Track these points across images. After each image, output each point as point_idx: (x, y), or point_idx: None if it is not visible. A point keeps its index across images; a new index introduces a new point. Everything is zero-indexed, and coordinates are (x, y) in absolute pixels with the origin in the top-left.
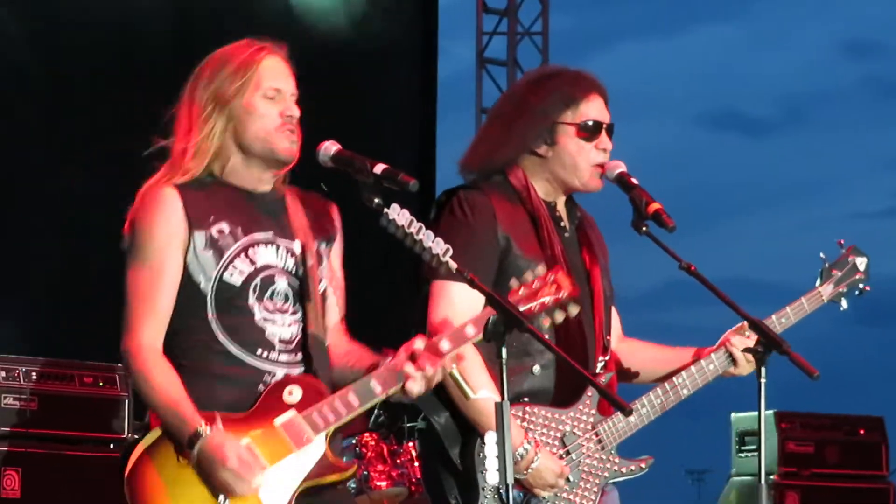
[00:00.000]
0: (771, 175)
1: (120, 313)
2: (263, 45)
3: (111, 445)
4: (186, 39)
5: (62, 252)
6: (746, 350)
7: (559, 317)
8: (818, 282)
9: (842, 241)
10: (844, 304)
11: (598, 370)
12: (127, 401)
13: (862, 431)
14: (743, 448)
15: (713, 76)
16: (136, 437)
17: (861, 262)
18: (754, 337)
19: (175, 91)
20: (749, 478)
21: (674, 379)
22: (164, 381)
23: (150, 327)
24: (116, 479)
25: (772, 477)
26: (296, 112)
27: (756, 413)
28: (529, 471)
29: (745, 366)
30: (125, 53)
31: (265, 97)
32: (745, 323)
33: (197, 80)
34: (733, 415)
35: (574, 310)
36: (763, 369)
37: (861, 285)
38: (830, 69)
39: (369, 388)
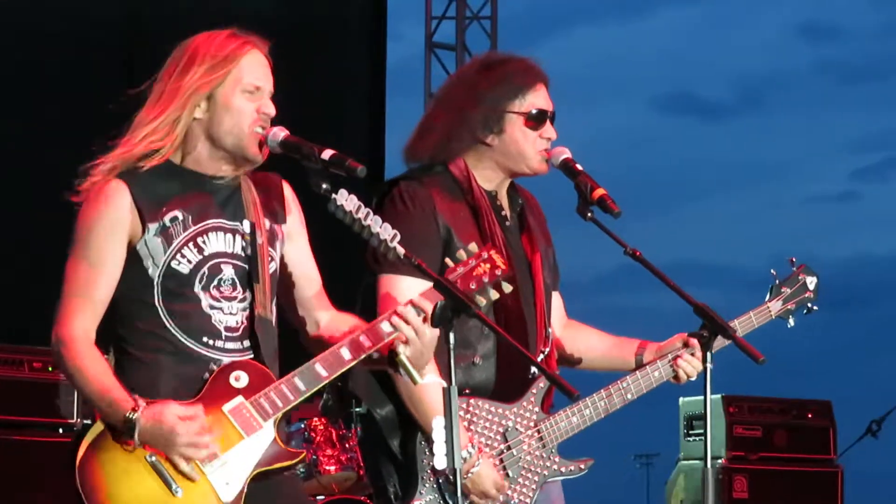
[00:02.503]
0: (727, 158)
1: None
2: (248, 38)
3: (60, 430)
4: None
5: (8, 237)
6: (692, 335)
7: (494, 295)
8: (767, 297)
9: (793, 259)
10: (792, 321)
11: (538, 360)
12: None
13: (810, 415)
14: (691, 432)
15: (669, 59)
16: (83, 426)
17: (811, 282)
18: (696, 361)
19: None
20: (697, 462)
21: (619, 382)
22: (95, 371)
23: (83, 318)
24: (65, 464)
25: (720, 461)
26: (271, 110)
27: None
28: (469, 475)
29: (685, 379)
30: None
31: (244, 92)
32: (691, 339)
33: (177, 63)
34: (681, 399)
35: (507, 287)
36: (709, 354)
37: (810, 304)
38: (787, 52)
39: (315, 373)
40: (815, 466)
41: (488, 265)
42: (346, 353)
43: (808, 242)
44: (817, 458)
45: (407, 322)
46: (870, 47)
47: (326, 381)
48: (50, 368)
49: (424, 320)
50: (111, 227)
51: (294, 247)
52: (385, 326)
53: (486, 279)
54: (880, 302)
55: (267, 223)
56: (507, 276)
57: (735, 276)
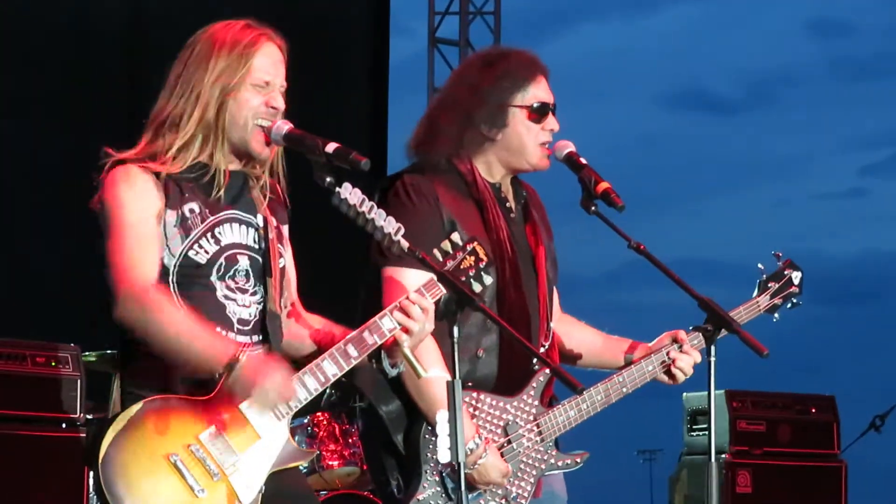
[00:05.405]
0: (735, 155)
1: (65, 304)
2: (263, 30)
3: (63, 425)
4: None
5: (7, 235)
6: (696, 328)
7: (477, 287)
8: (755, 292)
9: (779, 254)
10: (777, 316)
11: (540, 353)
12: (79, 380)
13: (813, 410)
14: (695, 427)
15: (675, 55)
16: (87, 420)
17: (796, 276)
18: (695, 353)
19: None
20: (701, 456)
21: (615, 377)
22: (180, 315)
23: (143, 269)
24: (68, 459)
25: (723, 456)
26: (280, 104)
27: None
28: (476, 466)
29: (682, 378)
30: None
31: (253, 85)
32: (679, 333)
33: (195, 56)
34: (685, 394)
35: (488, 279)
36: (713, 348)
37: (794, 299)
38: (796, 48)
39: (323, 371)
40: (819, 461)
41: (472, 257)
42: (352, 351)
43: (816, 238)
44: (821, 453)
45: (410, 316)
46: (879, 44)
47: (334, 380)
48: (53, 363)
49: (424, 312)
50: (146, 202)
51: (287, 249)
52: (386, 322)
53: (471, 272)
54: (886, 297)
55: (274, 221)
56: (489, 265)
57: (742, 273)
